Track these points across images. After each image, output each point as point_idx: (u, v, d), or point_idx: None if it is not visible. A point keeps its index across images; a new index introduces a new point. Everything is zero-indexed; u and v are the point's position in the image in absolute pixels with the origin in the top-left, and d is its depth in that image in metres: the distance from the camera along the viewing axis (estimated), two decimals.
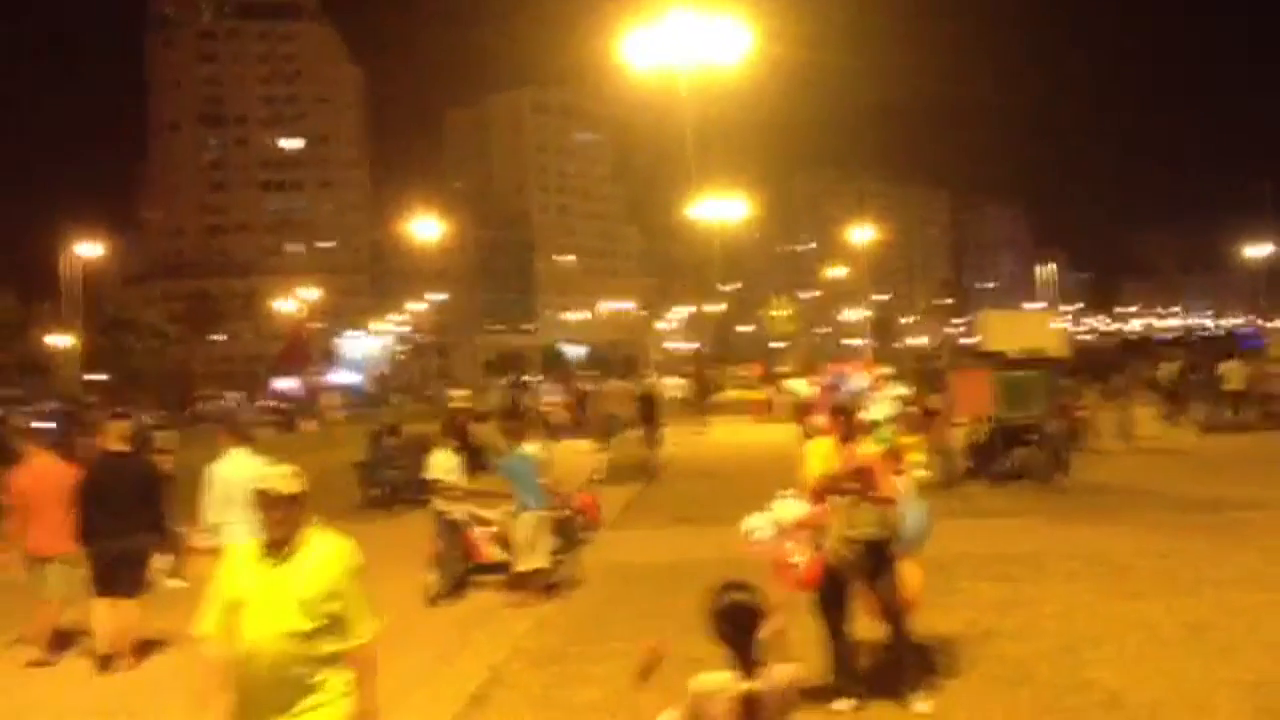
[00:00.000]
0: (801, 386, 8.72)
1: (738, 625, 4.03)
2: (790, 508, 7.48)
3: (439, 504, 12.20)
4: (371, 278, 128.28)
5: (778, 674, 3.97)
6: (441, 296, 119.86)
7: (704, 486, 20.79)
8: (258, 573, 4.33)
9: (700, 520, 16.25)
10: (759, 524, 7.50)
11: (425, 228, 78.39)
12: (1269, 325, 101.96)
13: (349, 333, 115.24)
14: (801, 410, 8.52)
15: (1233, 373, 26.84)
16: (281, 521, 4.34)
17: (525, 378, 71.91)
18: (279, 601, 4.24)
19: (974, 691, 7.70)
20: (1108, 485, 18.37)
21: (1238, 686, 7.43)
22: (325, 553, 4.41)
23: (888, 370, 9.90)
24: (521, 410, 25.00)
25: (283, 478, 4.37)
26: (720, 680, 3.95)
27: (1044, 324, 23.40)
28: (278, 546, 4.35)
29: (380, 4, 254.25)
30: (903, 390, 9.18)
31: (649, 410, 24.32)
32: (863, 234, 79.62)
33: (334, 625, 4.31)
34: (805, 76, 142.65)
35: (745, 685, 3.91)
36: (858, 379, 8.43)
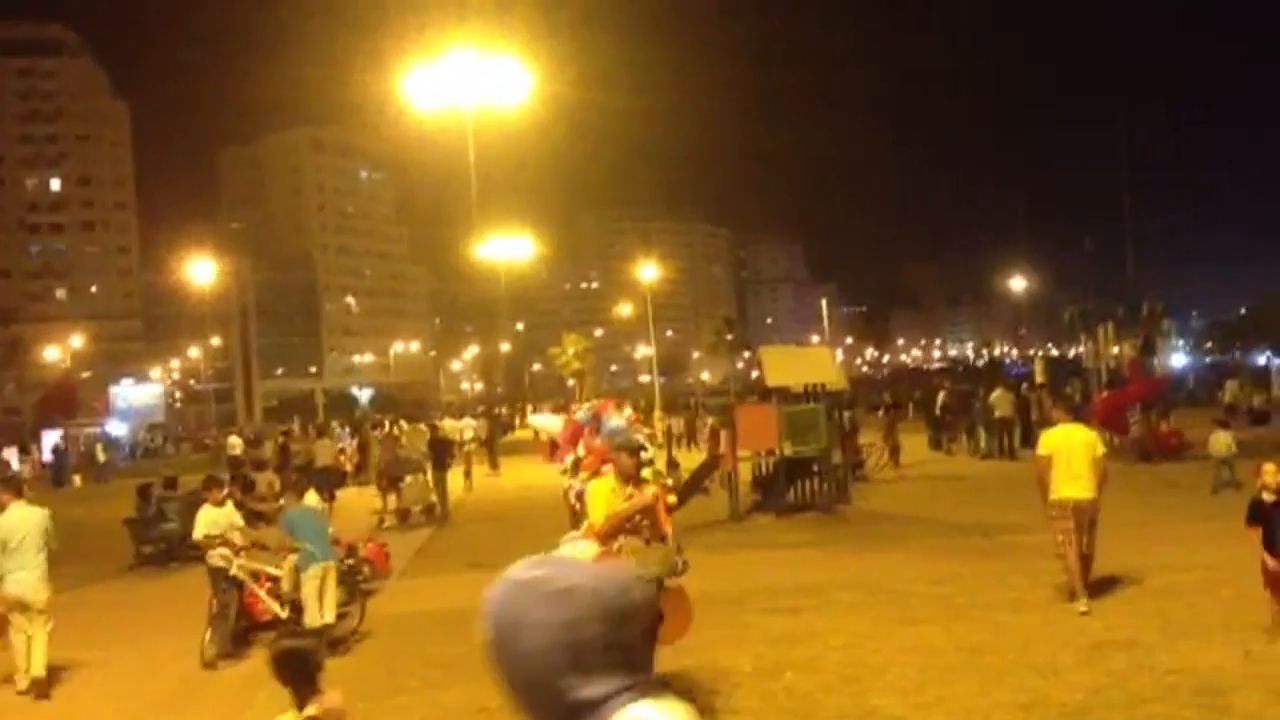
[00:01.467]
0: (550, 423, 8.63)
1: (290, 668, 4.77)
2: (577, 551, 7.42)
3: (213, 559, 11.68)
4: (146, 322, 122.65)
5: (329, 699, 4.70)
6: (220, 341, 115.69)
7: (496, 530, 20.55)
8: None
9: (492, 565, 15.81)
10: None
11: (201, 270, 75.62)
12: (1034, 354, 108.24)
13: (123, 380, 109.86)
14: (549, 449, 8.42)
15: (1000, 401, 28.22)
16: None
17: (311, 424, 69.93)
18: None
19: None
20: (886, 513, 19.03)
21: (1012, 708, 7.73)
22: None
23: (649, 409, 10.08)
24: (296, 459, 24.25)
25: None
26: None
27: (823, 358, 24.11)
28: None
29: (148, 38, 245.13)
30: (648, 430, 9.42)
31: (439, 454, 23.93)
32: (648, 272, 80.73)
33: None
34: (589, 116, 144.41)
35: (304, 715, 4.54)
36: (615, 417, 8.41)
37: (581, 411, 8.35)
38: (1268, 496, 8.54)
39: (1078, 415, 13.47)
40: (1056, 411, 12.48)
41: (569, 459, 8.03)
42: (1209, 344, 77.95)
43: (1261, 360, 59.88)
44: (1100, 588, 11.48)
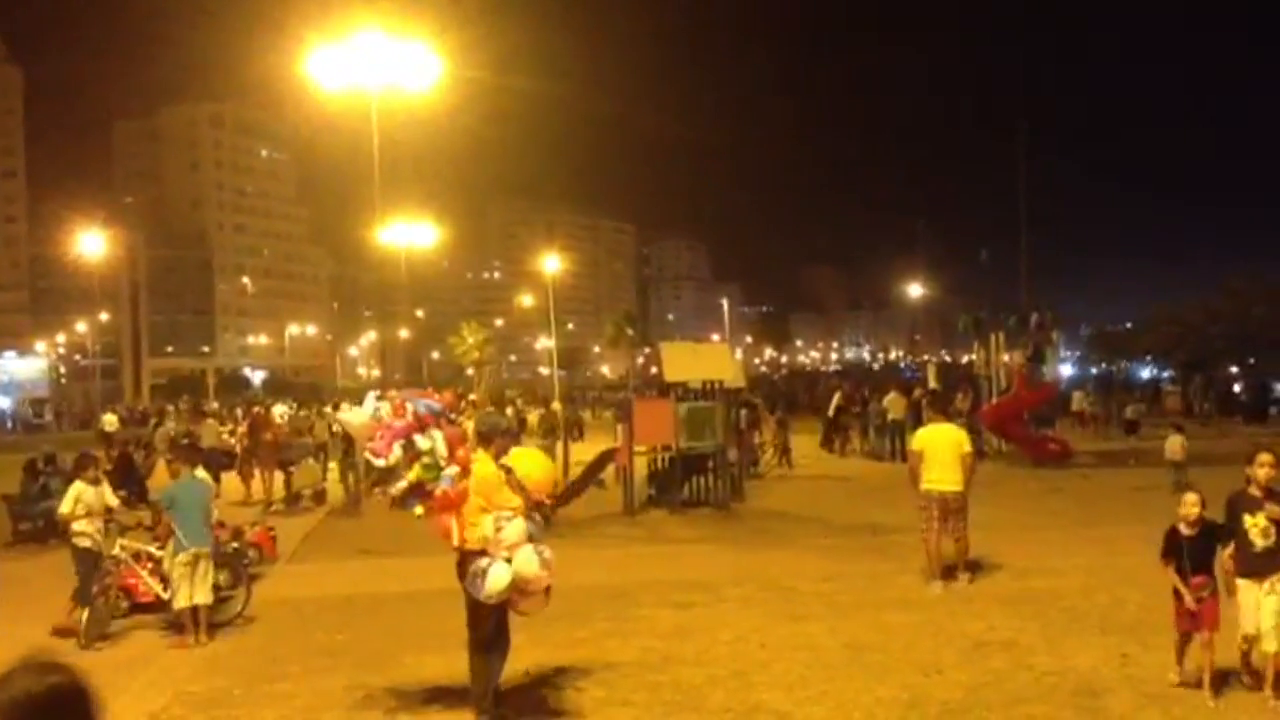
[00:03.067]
0: (356, 416, 8.34)
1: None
2: (513, 532, 7.62)
3: (82, 539, 11.35)
4: (31, 294, 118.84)
5: None
6: (109, 317, 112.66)
7: (388, 518, 20.27)
8: None
9: (382, 552, 15.83)
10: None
11: (91, 243, 73.51)
12: (926, 359, 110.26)
13: (6, 353, 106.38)
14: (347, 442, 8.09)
15: (894, 404, 28.67)
16: None
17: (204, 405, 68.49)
18: None
19: (648, 718, 7.79)
20: (779, 511, 19.21)
21: (894, 705, 7.84)
22: None
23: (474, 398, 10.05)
24: (184, 438, 23.63)
25: None
26: None
27: (722, 355, 24.24)
28: None
29: (47, 4, 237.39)
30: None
31: (347, 440, 23.47)
32: (551, 264, 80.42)
33: None
34: (499, 105, 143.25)
35: None
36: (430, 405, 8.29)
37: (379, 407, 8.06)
38: (1185, 529, 7.79)
39: (951, 416, 14.35)
40: (928, 412, 13.22)
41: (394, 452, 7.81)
42: (1091, 355, 79.95)
43: (1145, 373, 61.67)
44: (983, 589, 11.73)
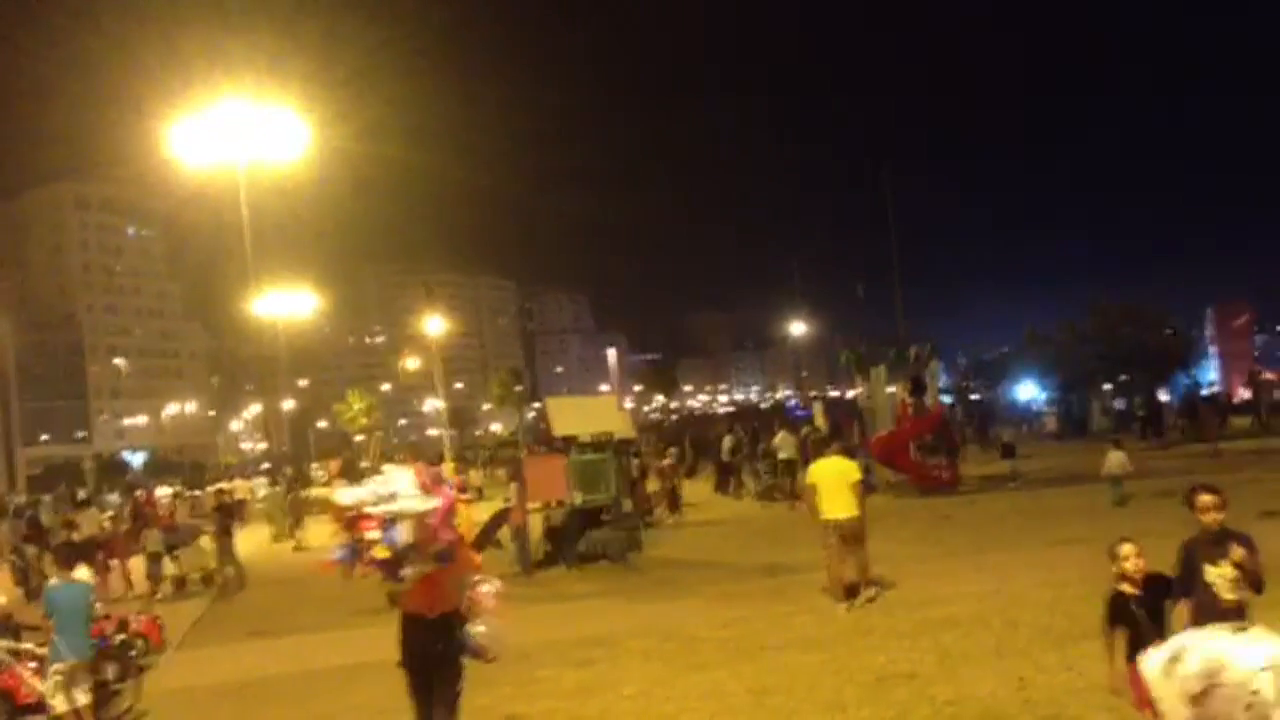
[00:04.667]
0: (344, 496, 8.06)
1: None
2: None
3: None
4: None
5: None
6: None
7: (280, 595, 19.85)
8: None
9: (276, 632, 15.45)
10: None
11: None
12: (813, 396, 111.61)
13: None
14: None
15: (784, 443, 28.96)
16: None
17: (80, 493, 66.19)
18: None
19: None
20: (676, 559, 19.23)
21: None
22: None
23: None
24: (63, 528, 22.86)
25: None
26: None
27: (609, 407, 24.29)
28: None
29: None
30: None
31: (226, 519, 22.92)
32: (434, 324, 79.77)
33: None
34: (369, 170, 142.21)
35: None
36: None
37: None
38: (1129, 589, 6.35)
39: (844, 450, 15.17)
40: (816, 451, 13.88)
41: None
42: (965, 384, 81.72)
43: (1023, 396, 63.28)
44: (881, 622, 11.88)
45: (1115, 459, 20.96)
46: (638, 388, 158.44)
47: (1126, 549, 6.45)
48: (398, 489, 7.46)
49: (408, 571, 7.39)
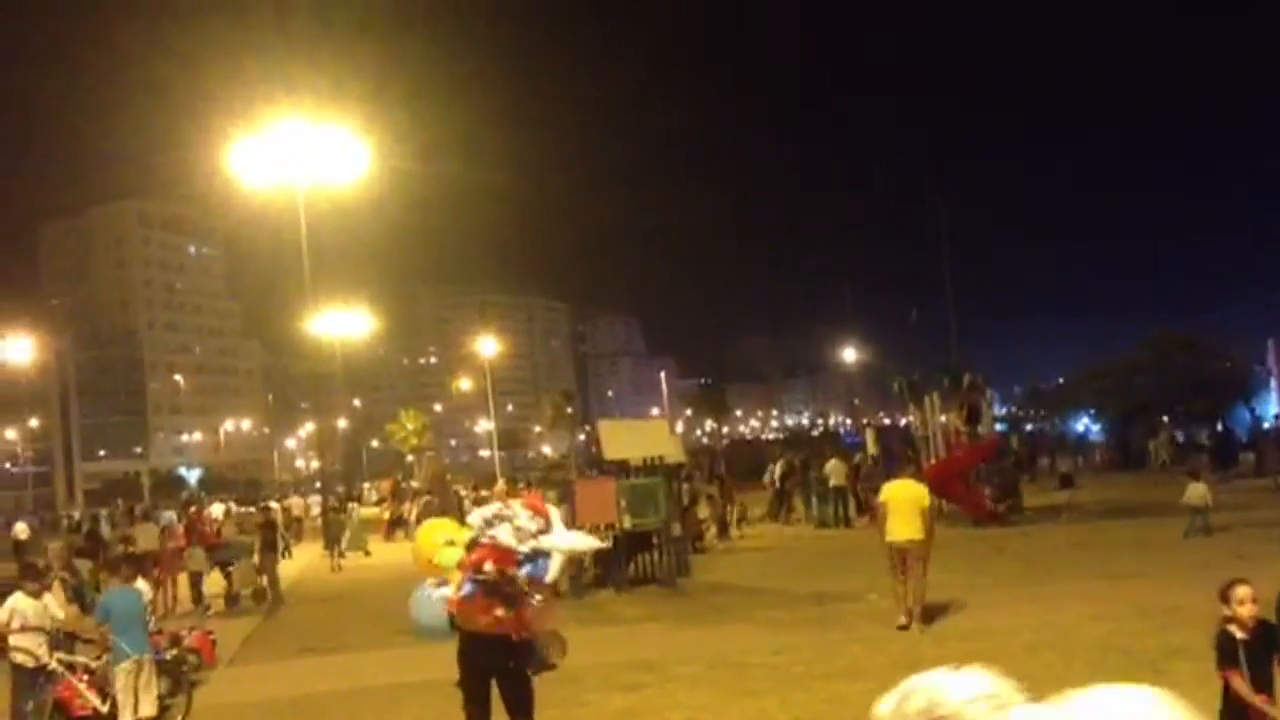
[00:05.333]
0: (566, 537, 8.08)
1: None
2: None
3: (16, 655, 11.03)
4: None
5: None
6: (38, 422, 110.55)
7: (330, 612, 20.00)
8: None
9: (326, 650, 15.57)
10: None
11: (19, 348, 72.40)
12: (865, 424, 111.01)
13: None
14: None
15: (835, 470, 28.79)
16: None
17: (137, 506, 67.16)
18: None
19: None
20: (725, 585, 19.16)
21: None
22: None
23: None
24: (120, 543, 23.16)
25: None
26: None
27: (660, 431, 24.31)
28: None
29: None
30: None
31: (270, 535, 23.20)
32: (487, 346, 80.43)
33: None
34: (426, 190, 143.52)
35: None
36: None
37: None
38: (1239, 633, 6.00)
39: (917, 475, 15.52)
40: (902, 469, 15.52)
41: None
42: (1020, 412, 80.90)
43: (1080, 427, 62.54)
44: (931, 653, 11.74)
45: (1197, 490, 20.70)
46: (688, 411, 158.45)
47: (1243, 592, 6.03)
48: (541, 525, 7.66)
49: (536, 600, 7.55)
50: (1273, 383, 52.99)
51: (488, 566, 7.45)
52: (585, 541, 8.20)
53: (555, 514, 7.97)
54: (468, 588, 7.50)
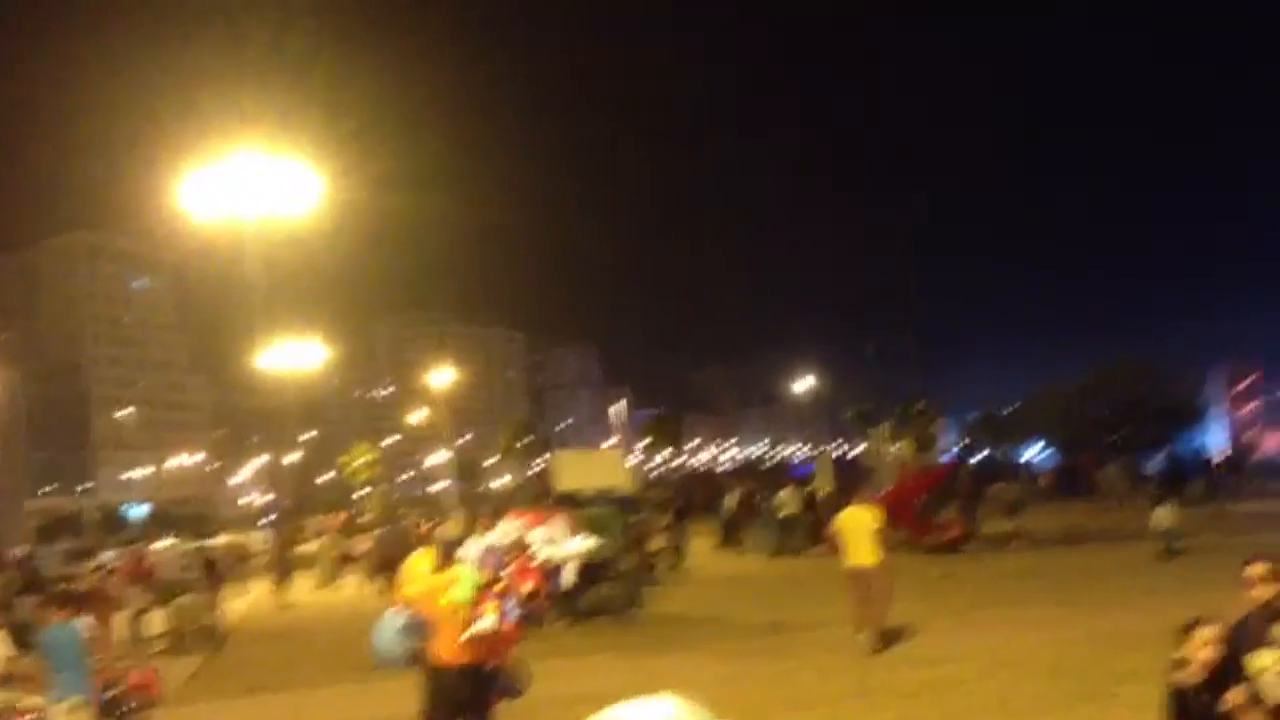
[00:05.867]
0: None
1: None
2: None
3: None
4: None
5: None
6: None
7: (279, 649, 19.70)
8: None
9: (273, 687, 15.32)
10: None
11: None
12: (820, 451, 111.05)
13: None
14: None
15: (786, 500, 28.84)
16: None
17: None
18: None
19: None
20: (678, 615, 19.08)
21: None
22: None
23: None
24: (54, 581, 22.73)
25: None
26: None
27: (614, 462, 24.26)
28: None
29: None
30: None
31: (214, 571, 22.88)
32: (442, 377, 79.86)
33: None
34: (381, 222, 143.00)
35: None
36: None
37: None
38: (1191, 678, 5.36)
39: (865, 501, 15.47)
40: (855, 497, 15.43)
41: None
42: (970, 440, 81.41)
43: (1030, 454, 63.18)
44: (884, 681, 11.75)
45: (1163, 514, 20.93)
46: (645, 441, 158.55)
47: (1206, 634, 5.36)
48: (547, 536, 7.64)
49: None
50: (1217, 411, 54.03)
51: (527, 588, 7.42)
52: (587, 543, 8.17)
53: (559, 524, 7.94)
54: (513, 613, 7.42)
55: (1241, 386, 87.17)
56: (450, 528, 30.86)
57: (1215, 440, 54.20)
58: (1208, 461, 44.41)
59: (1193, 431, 51.20)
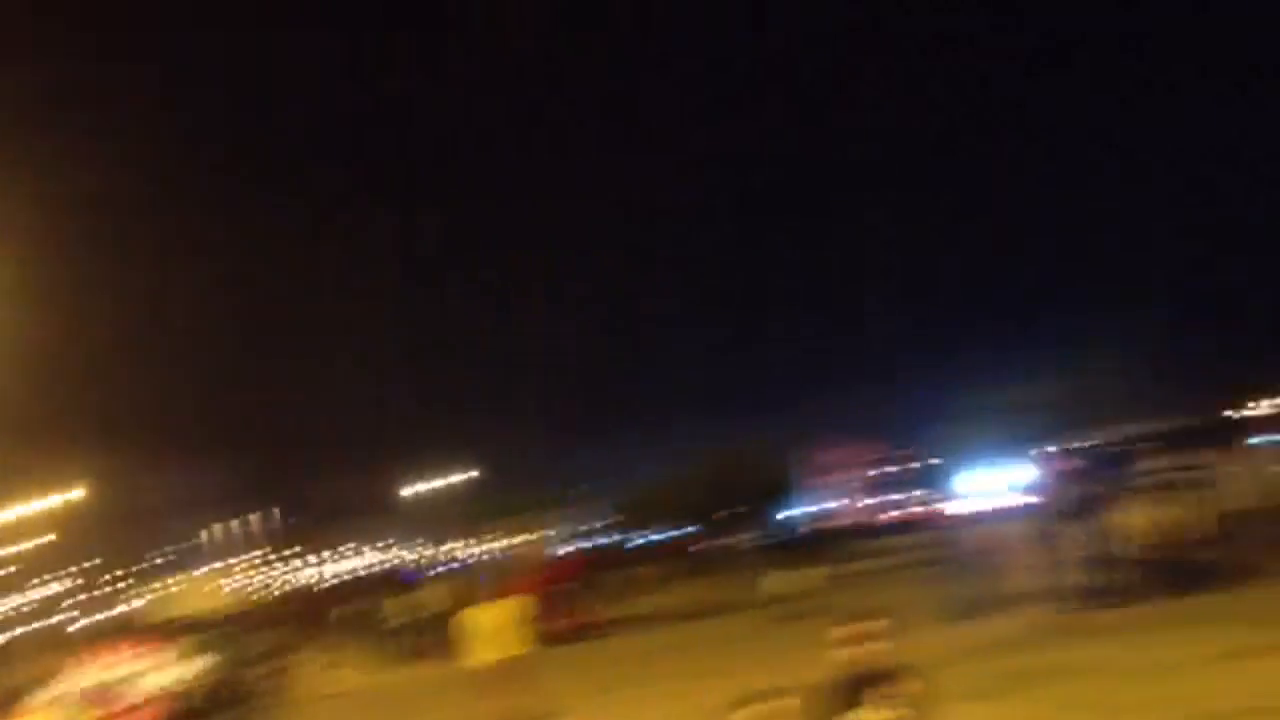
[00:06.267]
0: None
1: None
2: None
3: None
4: None
5: None
6: None
7: None
8: None
9: None
10: None
11: None
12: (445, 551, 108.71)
13: None
14: None
15: (394, 609, 27.98)
16: None
17: None
18: None
19: None
20: None
21: None
22: None
23: None
24: None
25: None
26: None
27: (212, 586, 22.72)
28: None
29: None
30: None
31: None
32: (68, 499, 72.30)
33: None
34: None
35: None
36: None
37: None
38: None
39: (496, 597, 15.10)
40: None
41: None
42: (601, 524, 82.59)
43: (646, 536, 64.79)
44: None
45: (769, 582, 21.52)
46: (271, 557, 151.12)
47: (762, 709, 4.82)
48: (154, 663, 7.06)
49: None
50: (812, 484, 59.30)
51: None
52: (195, 665, 7.45)
53: (167, 651, 7.28)
54: None
55: (829, 459, 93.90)
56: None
57: (812, 510, 58.74)
58: (807, 531, 47.68)
59: (785, 505, 55.27)
